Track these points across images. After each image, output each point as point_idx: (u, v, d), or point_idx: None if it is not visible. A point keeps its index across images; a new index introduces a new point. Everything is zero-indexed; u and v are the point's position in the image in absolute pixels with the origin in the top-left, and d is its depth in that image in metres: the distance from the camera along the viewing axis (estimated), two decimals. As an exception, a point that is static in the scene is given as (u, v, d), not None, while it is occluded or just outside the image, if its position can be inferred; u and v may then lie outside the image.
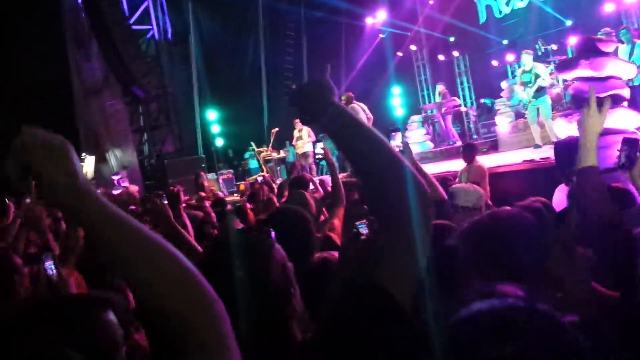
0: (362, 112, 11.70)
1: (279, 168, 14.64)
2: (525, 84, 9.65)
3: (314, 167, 12.47)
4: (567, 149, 5.72)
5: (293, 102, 1.30)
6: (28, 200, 5.40)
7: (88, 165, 13.13)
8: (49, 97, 16.65)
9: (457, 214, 3.66)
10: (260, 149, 14.40)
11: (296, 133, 12.92)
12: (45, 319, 1.33)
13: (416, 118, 14.45)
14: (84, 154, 13.41)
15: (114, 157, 14.08)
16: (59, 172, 0.88)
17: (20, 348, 1.05)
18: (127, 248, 0.89)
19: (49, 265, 2.51)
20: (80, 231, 3.13)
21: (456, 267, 1.59)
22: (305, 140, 12.66)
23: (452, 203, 3.81)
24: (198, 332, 0.87)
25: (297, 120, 12.93)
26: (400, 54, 16.75)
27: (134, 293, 0.96)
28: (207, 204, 6.49)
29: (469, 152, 7.36)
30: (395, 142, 3.37)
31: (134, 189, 12.38)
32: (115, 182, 12.04)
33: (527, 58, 9.71)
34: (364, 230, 1.84)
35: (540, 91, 9.43)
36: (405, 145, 3.40)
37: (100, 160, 13.68)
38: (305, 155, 12.66)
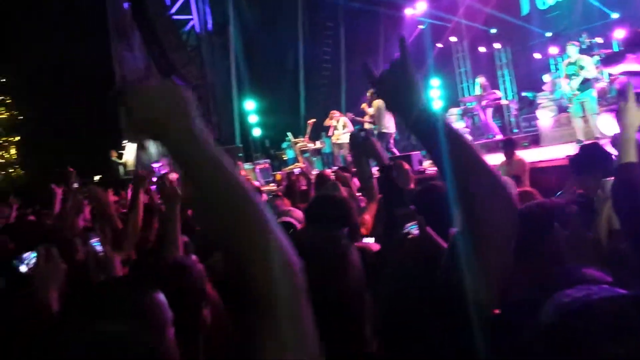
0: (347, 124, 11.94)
1: (315, 159, 14.69)
2: (569, 77, 9.40)
3: (349, 158, 12.45)
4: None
5: (378, 88, 1.28)
6: (76, 185, 5.65)
7: (129, 152, 13.45)
8: (92, 87, 17.11)
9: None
10: (296, 140, 14.47)
11: (332, 123, 12.93)
12: (99, 302, 1.37)
13: (455, 111, 14.26)
14: (125, 142, 13.75)
15: (154, 146, 14.36)
16: (180, 118, 0.93)
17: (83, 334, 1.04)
18: (226, 197, 0.91)
19: (95, 242, 2.65)
20: (137, 215, 3.20)
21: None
22: (341, 131, 12.65)
23: None
24: (273, 297, 0.86)
25: (333, 111, 12.96)
26: (439, 45, 16.54)
27: (220, 245, 0.95)
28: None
29: (509, 146, 7.28)
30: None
31: (174, 177, 12.61)
32: (156, 169, 12.27)
33: (572, 49, 9.45)
34: (415, 230, 1.86)
35: (585, 84, 9.17)
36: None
37: (141, 148, 13.97)
38: (340, 145, 12.66)
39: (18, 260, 2.67)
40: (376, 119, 11.15)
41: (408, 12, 16.02)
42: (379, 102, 10.89)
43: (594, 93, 9.28)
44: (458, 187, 1.15)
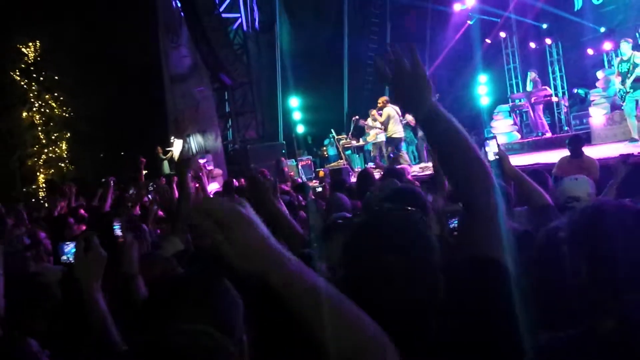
0: (396, 114, 11.69)
1: (357, 156, 14.63)
2: (623, 74, 9.02)
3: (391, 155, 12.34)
4: None
5: (393, 92, 1.42)
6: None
7: (176, 148, 13.73)
8: (141, 83, 17.54)
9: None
10: (339, 137, 14.44)
11: (370, 122, 12.80)
12: (180, 298, 1.33)
13: (503, 107, 13.93)
14: (172, 138, 14.05)
15: (195, 142, 14.63)
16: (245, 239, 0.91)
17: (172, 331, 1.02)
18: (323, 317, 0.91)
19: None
20: (188, 199, 3.24)
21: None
22: (377, 130, 12.51)
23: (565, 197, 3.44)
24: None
25: (373, 111, 12.80)
26: (488, 41, 16.16)
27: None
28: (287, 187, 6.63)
29: (576, 144, 6.45)
30: (490, 149, 3.25)
31: (218, 172, 12.82)
32: (202, 165, 12.51)
33: (626, 46, 9.06)
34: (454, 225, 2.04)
35: (639, 82, 8.78)
36: (502, 152, 3.24)
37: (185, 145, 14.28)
38: (377, 145, 12.53)
39: (60, 249, 2.67)
40: (385, 125, 11.73)
41: (457, 7, 15.71)
42: (389, 111, 11.54)
43: None
44: (452, 175, 1.43)
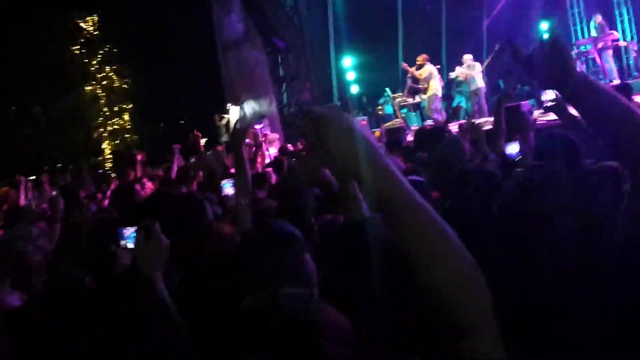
0: (435, 75, 12.11)
1: (414, 114, 14.37)
2: None
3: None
4: None
5: (525, 67, 1.41)
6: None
7: (233, 114, 13.90)
8: (196, 51, 17.74)
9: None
10: (395, 95, 14.20)
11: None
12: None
13: (567, 55, 13.27)
14: (229, 105, 14.21)
15: (250, 107, 14.74)
16: (372, 155, 0.92)
17: None
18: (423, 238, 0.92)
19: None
20: (244, 169, 3.24)
21: None
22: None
23: None
24: (473, 320, 0.90)
25: (412, 68, 12.76)
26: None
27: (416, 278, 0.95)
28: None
29: (625, 92, 6.56)
30: (548, 97, 3.17)
31: (274, 137, 12.92)
32: (259, 130, 12.65)
33: None
34: None
35: None
36: (560, 101, 3.16)
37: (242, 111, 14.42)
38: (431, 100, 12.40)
39: (119, 235, 2.54)
40: (427, 82, 12.30)
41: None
42: (430, 68, 12.18)
43: None
44: (615, 143, 1.36)
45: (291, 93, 16.45)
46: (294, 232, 1.62)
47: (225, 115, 13.84)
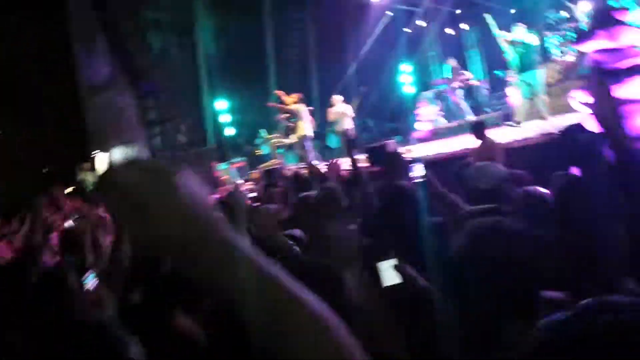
0: (305, 115, 12.24)
1: (291, 153, 14.57)
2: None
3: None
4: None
5: None
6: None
7: (100, 163, 13.20)
8: (56, 97, 16.67)
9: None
10: (270, 136, 14.33)
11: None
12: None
13: (427, 94, 14.24)
14: (94, 152, 13.49)
15: (119, 154, 14.11)
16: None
17: None
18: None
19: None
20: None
21: None
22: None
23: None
24: None
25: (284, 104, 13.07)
26: (408, 30, 16.45)
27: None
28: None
29: (477, 128, 7.17)
30: (416, 173, 3.29)
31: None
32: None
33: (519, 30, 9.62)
34: None
35: (528, 64, 9.25)
36: (430, 176, 3.28)
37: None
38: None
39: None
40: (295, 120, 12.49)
41: (376, -2, 15.95)
42: (299, 108, 12.32)
43: (539, 74, 9.32)
44: None
45: (163, 136, 15.99)
46: None
47: (92, 163, 13.11)
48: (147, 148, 14.91)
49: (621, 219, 1.97)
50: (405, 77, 16.31)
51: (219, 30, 16.57)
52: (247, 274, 0.70)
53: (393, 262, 1.95)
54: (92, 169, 13.02)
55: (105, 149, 13.67)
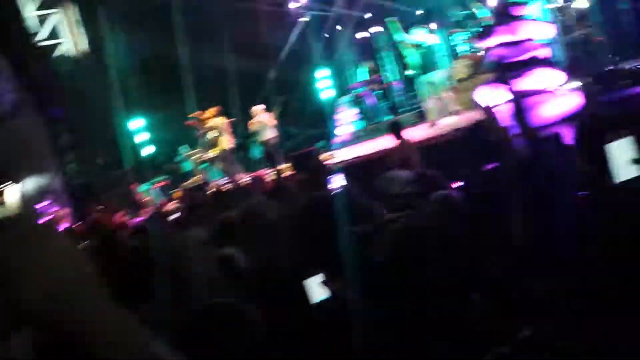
0: (224, 129, 12.27)
1: (215, 168, 14.31)
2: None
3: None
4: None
5: None
6: None
7: (11, 195, 12.43)
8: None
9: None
10: (191, 152, 14.04)
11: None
12: None
13: (345, 98, 14.43)
14: (4, 184, 12.70)
15: (32, 184, 13.36)
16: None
17: None
18: None
19: None
20: None
21: None
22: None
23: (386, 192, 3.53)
24: None
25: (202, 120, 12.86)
26: (325, 35, 16.61)
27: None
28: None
29: (394, 128, 7.38)
30: (336, 185, 3.36)
31: (65, 212, 11.81)
32: (43, 210, 11.48)
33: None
34: None
35: (430, 65, 9.63)
36: (349, 186, 3.36)
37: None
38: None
39: None
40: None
41: (292, 5, 16.03)
42: (217, 122, 12.33)
43: (437, 74, 9.72)
44: None
45: (77, 162, 15.25)
46: None
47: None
48: (60, 176, 14.16)
49: (523, 215, 2.04)
50: (324, 82, 16.43)
51: (129, 46, 16.07)
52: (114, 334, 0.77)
53: (320, 277, 1.96)
54: (1, 203, 12.23)
55: (15, 180, 12.89)
